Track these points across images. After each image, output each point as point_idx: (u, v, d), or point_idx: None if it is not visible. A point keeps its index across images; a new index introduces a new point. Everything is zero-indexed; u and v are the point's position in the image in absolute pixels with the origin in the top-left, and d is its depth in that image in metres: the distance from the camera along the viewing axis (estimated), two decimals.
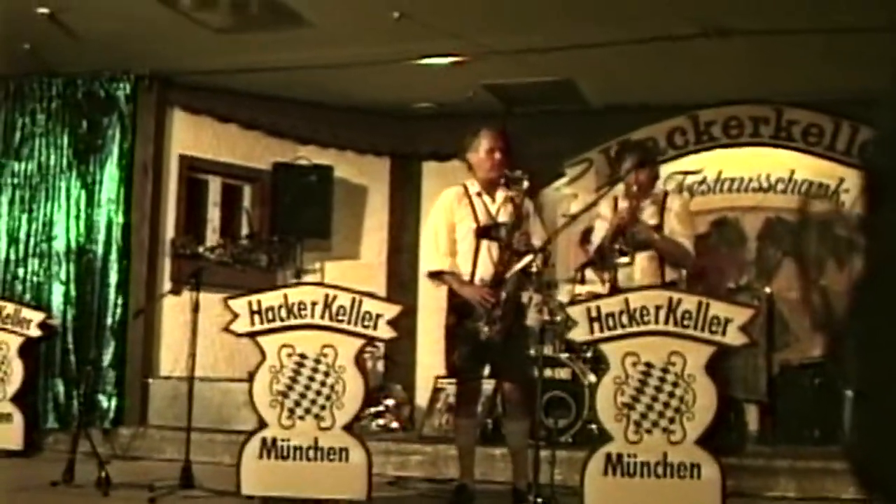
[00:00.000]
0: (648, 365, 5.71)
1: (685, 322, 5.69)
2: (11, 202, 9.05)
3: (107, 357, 8.72)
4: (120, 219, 8.85)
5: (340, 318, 6.19)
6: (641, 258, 6.38)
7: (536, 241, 6.04)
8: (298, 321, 6.24)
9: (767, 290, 8.85)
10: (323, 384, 6.17)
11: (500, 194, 6.11)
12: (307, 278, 9.55)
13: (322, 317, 6.21)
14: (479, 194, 6.14)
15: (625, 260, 6.32)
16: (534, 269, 5.88)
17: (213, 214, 9.78)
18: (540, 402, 6.36)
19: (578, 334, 5.98)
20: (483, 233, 6.04)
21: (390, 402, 9.16)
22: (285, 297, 6.31)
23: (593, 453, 5.77)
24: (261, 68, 8.64)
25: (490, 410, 7.59)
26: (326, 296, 6.26)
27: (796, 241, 9.24)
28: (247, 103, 9.57)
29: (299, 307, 6.25)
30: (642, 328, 5.75)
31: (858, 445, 1.58)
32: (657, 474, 5.63)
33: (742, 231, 9.39)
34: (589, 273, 8.20)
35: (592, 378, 7.27)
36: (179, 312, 8.72)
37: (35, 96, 9.06)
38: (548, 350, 7.34)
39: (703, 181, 9.43)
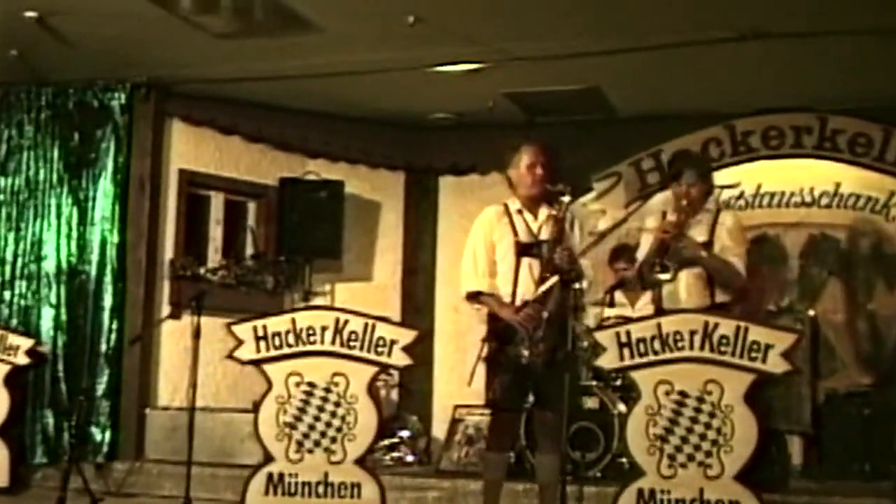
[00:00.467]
0: (683, 394, 5.73)
1: (722, 348, 5.70)
2: None
3: (100, 386, 8.70)
4: (115, 238, 8.85)
5: (352, 344, 6.22)
6: (687, 275, 6.33)
7: (583, 260, 6.05)
8: (307, 347, 6.28)
9: (811, 312, 8.84)
10: (333, 415, 6.19)
11: (543, 211, 6.08)
12: (316, 301, 9.57)
13: (332, 343, 6.25)
14: (519, 211, 6.12)
15: (665, 277, 6.29)
16: (576, 286, 5.87)
17: (216, 233, 9.78)
18: (566, 434, 6.35)
19: (607, 361, 5.99)
20: (523, 250, 6.04)
21: (405, 433, 9.17)
22: (293, 321, 6.35)
23: (624, 489, 5.78)
24: (266, 76, 8.67)
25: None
26: (337, 320, 6.29)
27: (842, 260, 9.22)
28: (251, 114, 9.58)
29: (308, 332, 6.28)
30: (676, 354, 5.77)
31: None
32: None
33: (784, 249, 9.36)
34: (619, 296, 8.23)
35: (622, 408, 7.27)
36: (179, 338, 8.77)
37: (23, 106, 9.07)
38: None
39: (740, 195, 9.38)
